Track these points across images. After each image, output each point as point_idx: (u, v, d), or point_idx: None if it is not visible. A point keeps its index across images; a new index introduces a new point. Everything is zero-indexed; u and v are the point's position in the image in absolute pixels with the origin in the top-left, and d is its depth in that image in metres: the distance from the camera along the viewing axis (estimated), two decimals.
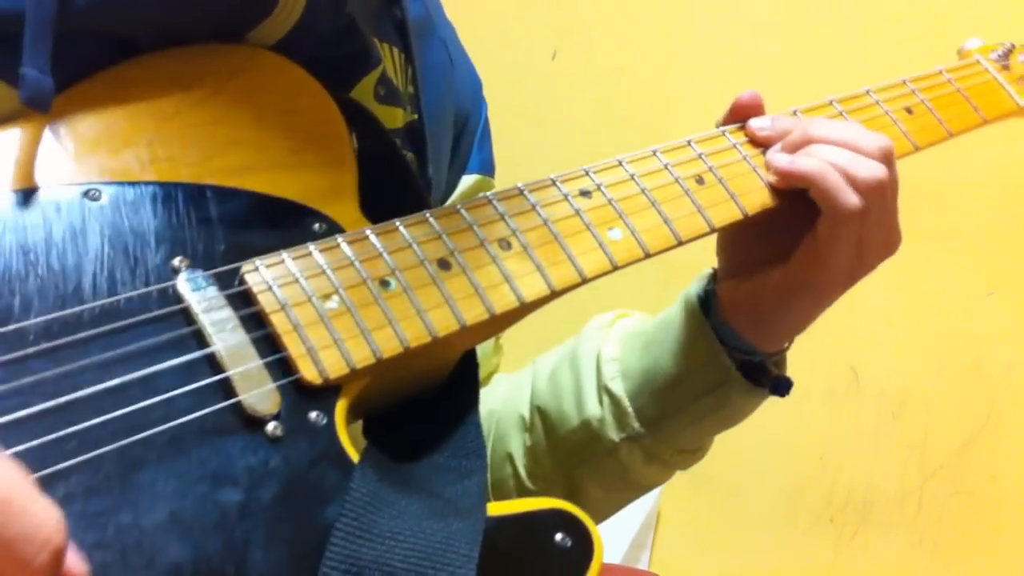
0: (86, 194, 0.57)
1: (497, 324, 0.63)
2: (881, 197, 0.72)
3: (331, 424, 0.55)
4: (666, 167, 0.72)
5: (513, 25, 1.98)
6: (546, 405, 0.86)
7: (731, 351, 0.78)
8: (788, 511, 1.92)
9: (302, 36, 0.68)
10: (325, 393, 0.56)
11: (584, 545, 0.57)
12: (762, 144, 0.76)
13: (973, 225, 1.72)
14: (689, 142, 0.74)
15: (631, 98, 1.92)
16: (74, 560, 0.43)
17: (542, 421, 0.86)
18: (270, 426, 0.53)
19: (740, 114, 0.78)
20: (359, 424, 0.64)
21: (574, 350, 0.87)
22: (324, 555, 0.50)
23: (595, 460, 0.83)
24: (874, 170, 0.72)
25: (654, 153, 0.73)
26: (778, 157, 0.75)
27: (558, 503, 0.59)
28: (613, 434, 0.82)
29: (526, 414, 0.87)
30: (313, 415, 0.55)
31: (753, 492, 1.94)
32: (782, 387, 0.80)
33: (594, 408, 0.83)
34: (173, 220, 0.58)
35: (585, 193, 0.69)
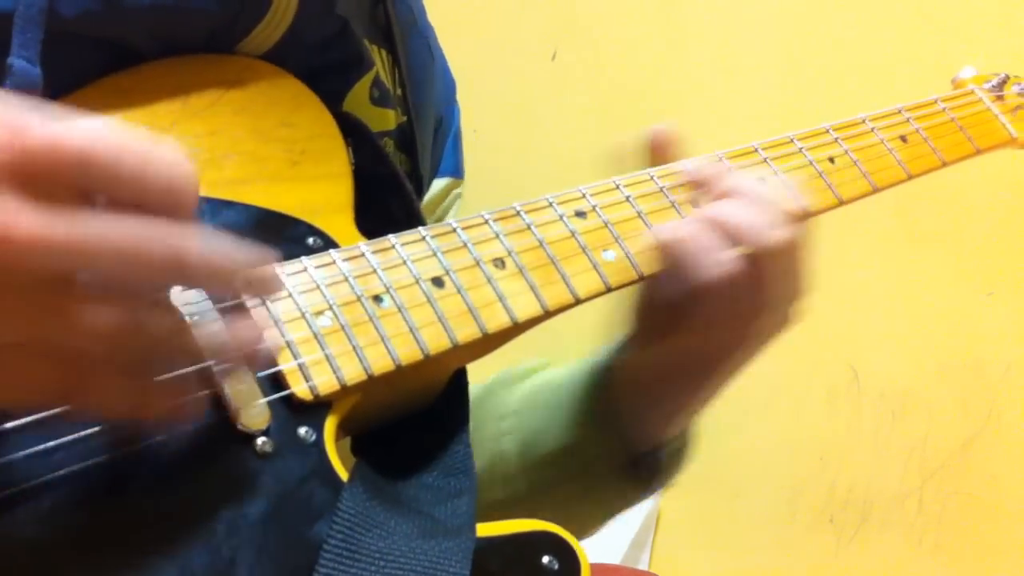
0: None
1: (490, 343, 0.63)
2: (765, 264, 0.65)
3: (320, 441, 0.55)
4: (662, 190, 0.72)
5: (513, 25, 1.98)
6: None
7: (620, 437, 0.74)
8: (788, 511, 1.92)
9: (295, 42, 0.68)
10: (315, 409, 0.56)
11: (571, 568, 0.57)
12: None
13: (973, 225, 1.72)
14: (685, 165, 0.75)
15: (631, 98, 1.92)
16: None
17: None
18: (259, 441, 0.53)
19: (659, 152, 0.73)
20: (347, 441, 0.64)
21: (482, 396, 0.84)
22: (312, 575, 0.51)
23: (483, 510, 0.80)
24: (769, 237, 0.65)
25: (651, 177, 0.73)
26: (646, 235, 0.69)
27: (547, 525, 0.58)
28: (497, 490, 0.79)
29: None
30: (302, 431, 0.55)
31: (753, 492, 1.94)
32: (656, 483, 0.75)
33: (482, 459, 0.77)
34: None
35: (580, 214, 0.69)
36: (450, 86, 0.95)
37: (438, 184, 0.90)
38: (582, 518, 0.79)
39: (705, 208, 0.68)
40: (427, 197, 0.89)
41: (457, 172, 0.92)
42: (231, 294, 0.54)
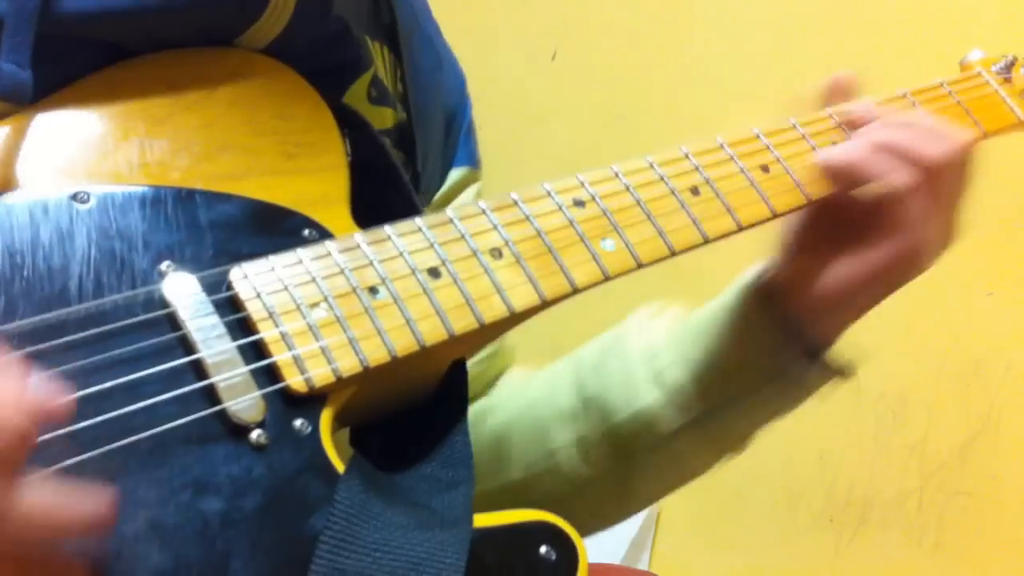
0: (74, 197, 0.57)
1: (487, 333, 0.62)
2: (935, 178, 0.74)
3: (316, 433, 0.55)
4: (662, 178, 0.72)
5: (513, 25, 1.98)
6: (594, 395, 0.85)
7: (792, 340, 0.78)
8: (788, 511, 1.92)
9: (291, 40, 0.68)
10: (311, 402, 0.55)
11: (569, 559, 0.57)
12: (857, 125, 0.79)
13: (973, 225, 1.71)
14: (686, 154, 0.74)
15: (631, 98, 1.92)
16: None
17: (591, 411, 0.85)
18: (254, 434, 0.53)
19: (837, 94, 0.82)
20: (345, 432, 0.64)
21: (621, 339, 0.86)
22: (310, 567, 0.50)
23: (647, 450, 0.83)
24: (931, 151, 0.74)
25: (650, 165, 0.72)
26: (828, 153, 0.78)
27: (545, 515, 0.58)
28: (669, 422, 0.81)
29: (572, 405, 0.86)
30: (298, 424, 0.55)
31: (753, 492, 1.94)
32: (846, 369, 0.80)
33: (647, 397, 0.82)
34: (161, 224, 0.58)
35: (579, 203, 0.68)
36: (460, 81, 0.95)
37: (455, 174, 0.90)
38: (774, 413, 0.82)
39: (873, 133, 0.76)
40: (444, 189, 0.89)
41: (472, 162, 0.93)
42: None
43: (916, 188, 0.73)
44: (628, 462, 0.84)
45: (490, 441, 0.89)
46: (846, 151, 0.76)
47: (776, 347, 0.78)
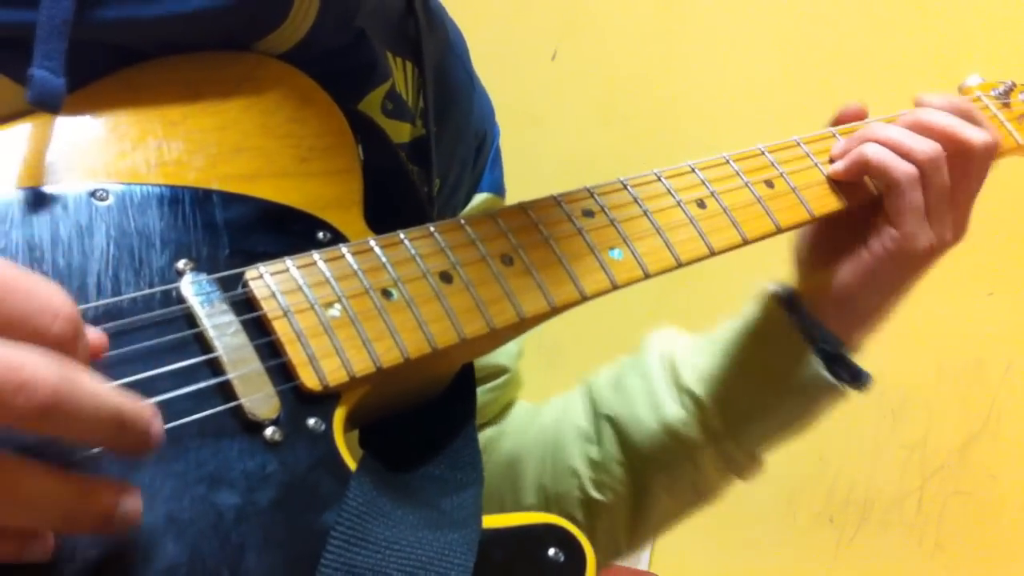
0: (93, 194, 0.57)
1: (497, 337, 0.63)
2: (936, 170, 0.77)
3: (329, 431, 0.56)
4: (668, 191, 0.73)
5: (513, 25, 1.98)
6: (616, 413, 0.86)
7: (814, 346, 0.80)
8: (788, 511, 1.92)
9: (308, 49, 0.69)
10: (324, 400, 0.56)
11: (577, 561, 0.57)
12: None
13: (973, 226, 1.72)
14: (692, 168, 0.75)
15: (631, 98, 1.92)
16: (93, 334, 0.46)
17: (613, 430, 0.86)
18: (268, 431, 0.54)
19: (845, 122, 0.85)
20: (355, 433, 0.64)
21: (639, 360, 0.88)
22: (320, 562, 0.51)
23: (673, 465, 0.84)
24: (926, 146, 0.77)
25: (657, 177, 0.73)
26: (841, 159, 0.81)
27: (553, 518, 0.59)
28: (695, 436, 0.83)
29: (588, 425, 0.88)
30: (312, 422, 0.55)
31: (753, 492, 1.93)
32: (863, 379, 0.81)
33: (673, 411, 0.84)
34: (179, 223, 0.59)
35: (588, 213, 0.69)
36: (491, 108, 0.96)
37: (478, 199, 0.92)
38: (791, 428, 0.85)
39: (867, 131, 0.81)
40: (466, 210, 0.90)
41: (495, 189, 0.94)
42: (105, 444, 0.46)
43: (908, 182, 0.76)
44: (644, 480, 0.85)
45: (503, 465, 0.91)
46: (842, 149, 0.80)
47: (799, 351, 0.80)
